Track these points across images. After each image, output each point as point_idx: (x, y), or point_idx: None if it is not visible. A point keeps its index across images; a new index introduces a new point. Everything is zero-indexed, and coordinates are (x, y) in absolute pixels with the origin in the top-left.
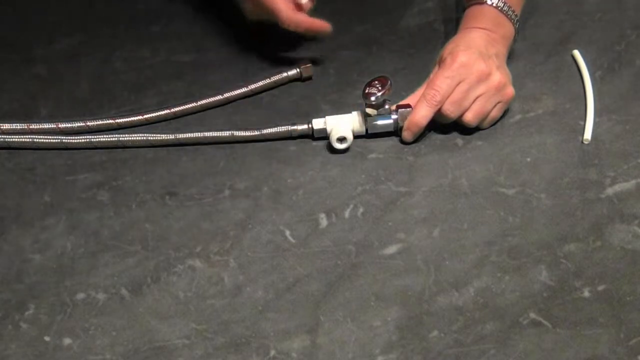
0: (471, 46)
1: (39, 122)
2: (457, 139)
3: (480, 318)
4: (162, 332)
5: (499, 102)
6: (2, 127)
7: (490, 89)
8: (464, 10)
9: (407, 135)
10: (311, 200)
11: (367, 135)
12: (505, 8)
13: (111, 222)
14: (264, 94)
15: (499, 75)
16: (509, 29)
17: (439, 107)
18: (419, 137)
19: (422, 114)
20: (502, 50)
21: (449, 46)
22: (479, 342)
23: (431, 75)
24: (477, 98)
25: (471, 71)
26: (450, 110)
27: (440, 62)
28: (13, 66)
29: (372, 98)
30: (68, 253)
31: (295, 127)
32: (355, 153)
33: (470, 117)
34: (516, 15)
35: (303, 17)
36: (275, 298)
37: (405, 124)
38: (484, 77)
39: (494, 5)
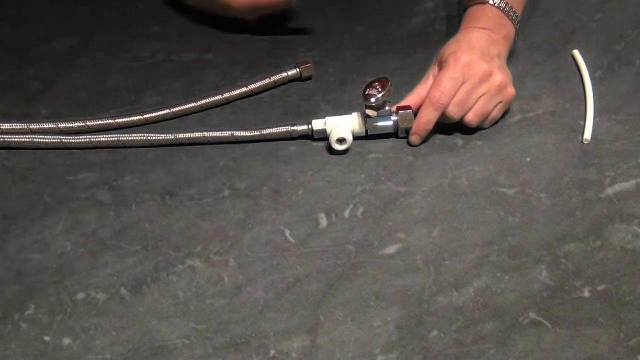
0: (473, 46)
1: (39, 122)
2: (457, 139)
3: (480, 318)
4: (162, 332)
5: (500, 103)
6: (2, 127)
7: (492, 90)
8: (465, 9)
9: (415, 139)
10: (311, 200)
11: (367, 136)
12: (507, 9)
13: (111, 222)
14: (264, 94)
15: (501, 76)
16: (510, 29)
17: (445, 109)
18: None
19: (429, 118)
20: (503, 51)
21: (451, 46)
22: (479, 342)
23: (429, 74)
24: (479, 98)
25: (474, 72)
26: (455, 111)
27: (442, 62)
28: (13, 66)
29: (372, 100)
30: (68, 253)
31: (295, 128)
32: (355, 153)
33: (471, 118)
34: (517, 16)
35: None
36: (275, 298)
37: (413, 128)
38: (485, 78)
39: (496, 5)
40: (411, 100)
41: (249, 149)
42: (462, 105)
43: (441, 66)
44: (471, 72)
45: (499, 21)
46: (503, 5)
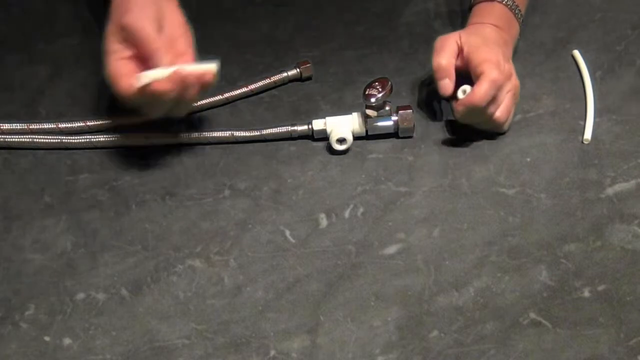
0: (491, 44)
1: (39, 122)
2: (458, 139)
3: (480, 318)
4: (162, 332)
5: (514, 103)
6: (2, 127)
7: (514, 88)
8: (470, 8)
9: (461, 109)
10: (311, 200)
11: (367, 136)
12: (513, 6)
13: (111, 222)
14: (264, 94)
15: (515, 76)
16: (516, 28)
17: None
18: (421, 137)
19: (488, 93)
20: (510, 51)
21: (472, 38)
22: (479, 342)
23: (448, 45)
24: (505, 97)
25: (503, 70)
26: (492, 109)
27: (466, 51)
28: (13, 66)
29: (372, 99)
30: (68, 253)
31: (295, 128)
32: (355, 153)
33: (499, 115)
34: (522, 15)
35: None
36: (275, 298)
37: (466, 98)
38: (509, 77)
39: (504, 2)
40: (448, 57)
41: (249, 149)
42: (497, 104)
43: (466, 55)
44: (502, 71)
45: (507, 19)
46: (510, 2)
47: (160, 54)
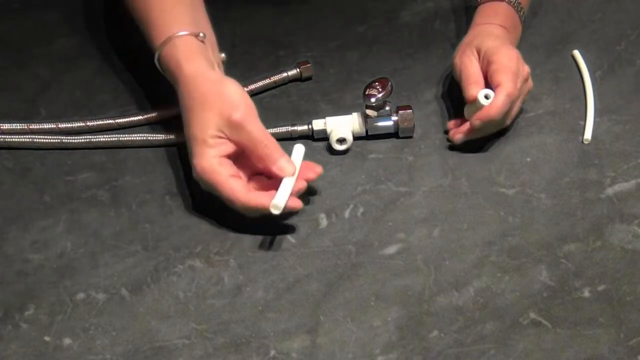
0: (506, 42)
1: (39, 122)
2: None
3: (480, 318)
4: (162, 332)
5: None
6: (2, 127)
7: (527, 91)
8: (475, 8)
9: (477, 124)
10: (311, 200)
11: (367, 136)
12: (519, 8)
13: (111, 222)
14: (264, 94)
15: (530, 78)
16: (519, 30)
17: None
18: (421, 137)
19: (505, 107)
20: None
21: (489, 40)
22: (479, 342)
23: (464, 58)
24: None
25: (521, 73)
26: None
27: (483, 54)
28: (13, 66)
29: (372, 99)
30: (68, 253)
31: (295, 128)
32: (355, 153)
33: (507, 124)
34: (525, 18)
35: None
36: (275, 298)
37: (483, 112)
38: (526, 79)
39: (511, 3)
40: (475, 79)
41: None
42: (510, 115)
43: (486, 58)
44: (522, 71)
45: (512, 20)
46: (516, 4)
47: (275, 159)
